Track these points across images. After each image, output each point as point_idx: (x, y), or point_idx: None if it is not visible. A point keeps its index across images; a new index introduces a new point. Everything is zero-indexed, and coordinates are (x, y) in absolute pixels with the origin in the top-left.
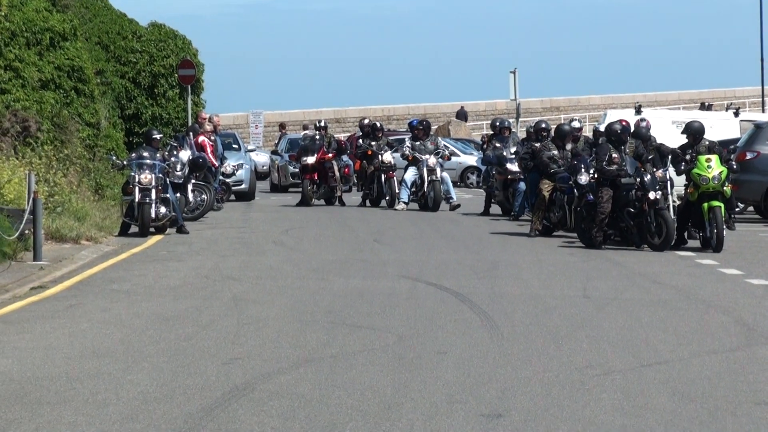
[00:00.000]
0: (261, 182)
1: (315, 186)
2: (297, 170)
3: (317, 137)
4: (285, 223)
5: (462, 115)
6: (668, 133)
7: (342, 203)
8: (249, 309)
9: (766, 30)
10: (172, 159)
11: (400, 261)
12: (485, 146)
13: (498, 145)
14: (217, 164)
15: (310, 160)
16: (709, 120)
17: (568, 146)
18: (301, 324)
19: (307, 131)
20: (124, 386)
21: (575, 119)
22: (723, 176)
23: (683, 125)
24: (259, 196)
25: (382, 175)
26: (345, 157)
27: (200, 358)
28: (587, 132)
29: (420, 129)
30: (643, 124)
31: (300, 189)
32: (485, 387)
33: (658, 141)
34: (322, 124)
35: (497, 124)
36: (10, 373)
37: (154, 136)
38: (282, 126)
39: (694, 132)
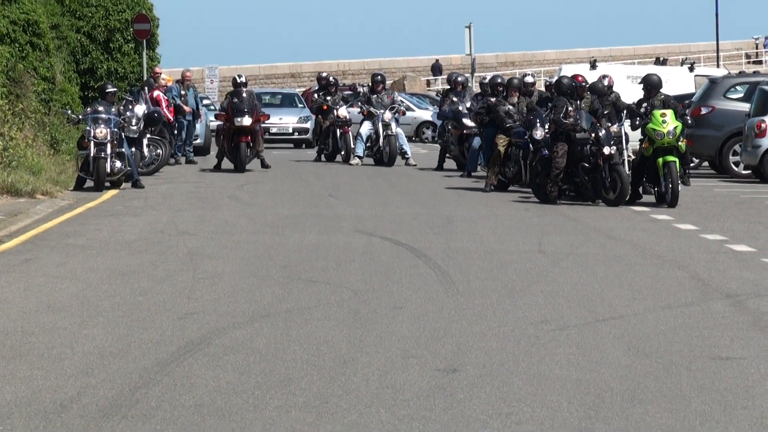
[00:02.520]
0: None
1: (248, 149)
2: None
3: (244, 94)
4: (240, 178)
5: (437, 68)
6: (623, 88)
7: (267, 166)
8: (204, 264)
9: None
10: (128, 113)
11: (356, 216)
12: (441, 101)
13: (455, 99)
14: (171, 119)
15: (246, 121)
16: (664, 75)
17: (513, 99)
18: (256, 279)
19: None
20: (79, 341)
21: (528, 74)
22: (678, 131)
23: (638, 80)
24: (215, 150)
25: (338, 130)
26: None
27: (155, 313)
28: (541, 87)
29: (376, 82)
30: (606, 81)
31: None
32: (440, 342)
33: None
34: (243, 79)
35: (453, 78)
36: None
37: (108, 90)
38: (183, 79)
39: (651, 84)
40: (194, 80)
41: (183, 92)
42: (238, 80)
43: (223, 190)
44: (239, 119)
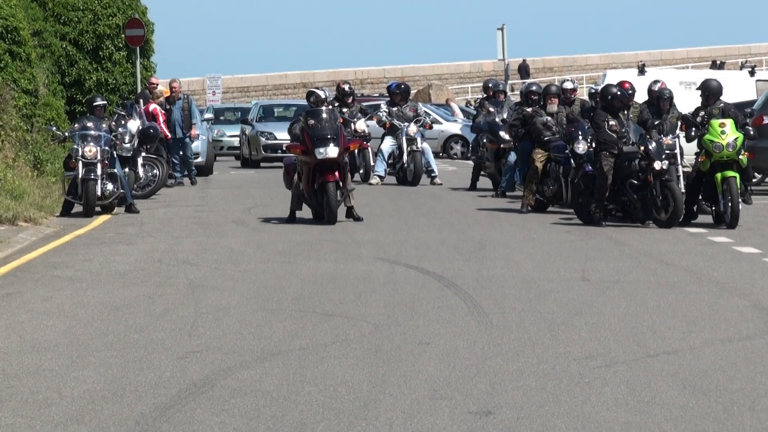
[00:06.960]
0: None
1: (338, 191)
2: (269, 142)
3: (324, 114)
4: (247, 200)
5: (524, 69)
6: (676, 96)
7: (358, 218)
8: (207, 297)
9: None
10: (120, 130)
11: (376, 241)
12: (476, 111)
13: (491, 110)
14: (170, 136)
15: (332, 152)
16: (721, 80)
17: (552, 108)
18: (266, 313)
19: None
20: (68, 384)
21: (567, 80)
22: (738, 143)
23: (692, 86)
24: (218, 170)
25: None
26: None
27: (153, 352)
28: (583, 95)
29: (397, 93)
30: (658, 85)
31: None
32: (473, 381)
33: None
34: (324, 94)
35: (490, 85)
36: None
37: (96, 104)
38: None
39: (711, 91)
40: (194, 92)
41: (168, 107)
42: (321, 95)
43: (227, 215)
44: (322, 150)
